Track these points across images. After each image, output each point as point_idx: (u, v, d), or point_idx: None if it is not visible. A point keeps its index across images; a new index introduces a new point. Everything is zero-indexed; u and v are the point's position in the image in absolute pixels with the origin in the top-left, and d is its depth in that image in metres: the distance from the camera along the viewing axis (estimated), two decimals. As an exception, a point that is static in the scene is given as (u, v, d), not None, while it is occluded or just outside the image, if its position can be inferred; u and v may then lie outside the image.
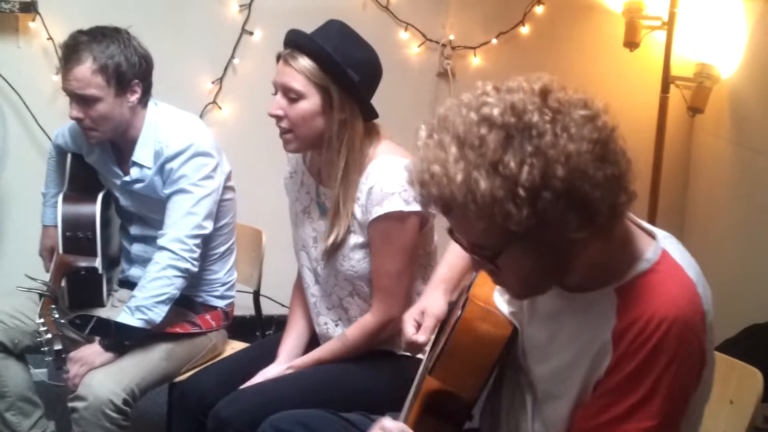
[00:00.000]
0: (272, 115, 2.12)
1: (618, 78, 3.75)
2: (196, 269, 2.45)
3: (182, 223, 2.42)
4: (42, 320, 2.36)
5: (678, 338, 1.36)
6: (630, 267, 1.42)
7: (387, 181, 2.07)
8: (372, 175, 2.10)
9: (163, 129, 2.49)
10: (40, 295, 2.45)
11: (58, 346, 2.33)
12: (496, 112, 1.30)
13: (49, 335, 2.34)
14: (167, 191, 2.45)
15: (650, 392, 1.37)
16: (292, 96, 2.08)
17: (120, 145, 2.56)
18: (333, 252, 2.17)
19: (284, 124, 2.11)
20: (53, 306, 2.40)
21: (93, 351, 2.36)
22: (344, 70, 2.04)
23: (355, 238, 2.15)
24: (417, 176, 1.36)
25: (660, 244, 1.45)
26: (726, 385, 1.82)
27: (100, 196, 2.58)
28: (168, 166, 2.45)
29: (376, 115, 2.14)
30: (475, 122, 1.31)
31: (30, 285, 2.48)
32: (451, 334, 1.61)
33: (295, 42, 2.09)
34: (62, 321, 2.38)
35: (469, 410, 1.64)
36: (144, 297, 2.36)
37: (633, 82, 3.74)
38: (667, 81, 3.42)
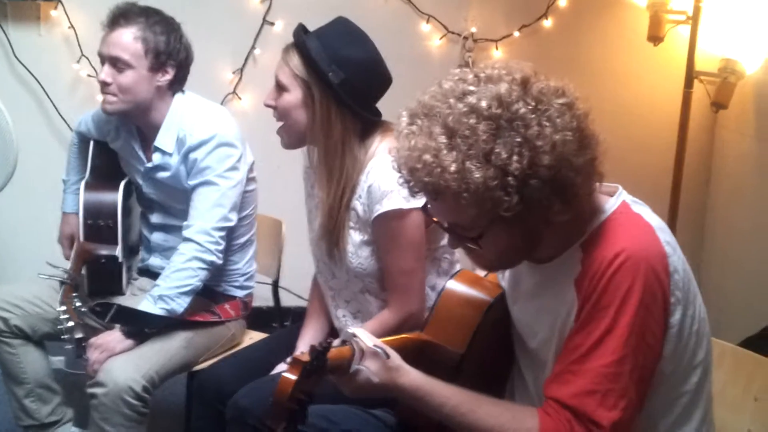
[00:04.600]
0: (265, 105, 2.20)
1: (641, 72, 3.73)
2: (220, 261, 2.45)
3: (208, 215, 2.42)
4: (63, 308, 2.36)
5: (633, 271, 1.41)
6: (591, 223, 1.50)
7: (385, 179, 2.05)
8: (371, 172, 2.09)
9: (188, 117, 2.50)
10: (61, 283, 2.46)
11: (79, 335, 2.34)
12: (484, 103, 1.37)
13: (71, 323, 2.35)
14: (192, 182, 2.45)
15: (610, 326, 1.42)
16: (280, 87, 2.15)
17: (144, 131, 2.56)
18: (330, 246, 2.16)
19: (275, 115, 2.20)
20: (74, 294, 2.41)
21: (113, 338, 2.36)
22: (322, 69, 2.06)
23: (360, 236, 2.14)
24: (406, 163, 1.43)
25: (620, 198, 1.52)
26: (750, 382, 1.82)
27: (122, 185, 2.59)
28: (192, 156, 2.45)
29: (367, 115, 2.11)
30: (463, 112, 1.38)
31: (51, 272, 2.48)
32: (438, 298, 1.74)
33: (293, 37, 2.15)
34: (83, 309, 2.38)
35: (459, 364, 1.66)
36: (168, 287, 2.37)
37: (656, 76, 3.71)
38: (690, 76, 3.39)
